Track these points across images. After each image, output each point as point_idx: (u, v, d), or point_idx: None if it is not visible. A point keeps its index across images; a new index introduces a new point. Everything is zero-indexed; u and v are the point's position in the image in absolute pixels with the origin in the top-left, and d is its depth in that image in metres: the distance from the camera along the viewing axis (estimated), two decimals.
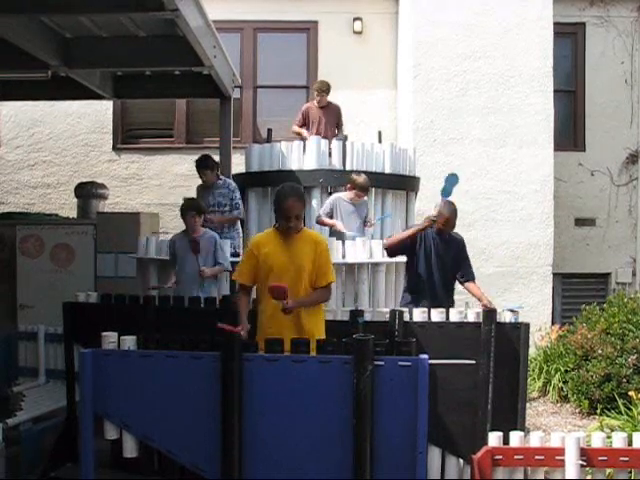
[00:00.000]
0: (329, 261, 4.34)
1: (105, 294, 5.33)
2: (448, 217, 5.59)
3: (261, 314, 4.30)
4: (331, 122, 7.80)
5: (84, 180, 8.93)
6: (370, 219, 6.72)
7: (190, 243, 5.77)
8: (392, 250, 5.64)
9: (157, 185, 9.58)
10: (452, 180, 5.66)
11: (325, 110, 7.80)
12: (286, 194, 4.28)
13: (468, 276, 5.68)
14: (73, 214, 8.83)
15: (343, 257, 5.70)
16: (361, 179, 6.43)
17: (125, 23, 5.96)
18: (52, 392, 5.70)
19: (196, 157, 7.02)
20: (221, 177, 7.01)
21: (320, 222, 6.55)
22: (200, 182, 7.02)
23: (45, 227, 7.80)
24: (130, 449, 3.43)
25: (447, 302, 5.40)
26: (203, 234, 5.88)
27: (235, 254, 6.34)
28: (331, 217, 6.55)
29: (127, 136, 9.81)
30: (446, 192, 5.65)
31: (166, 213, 9.33)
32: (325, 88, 7.78)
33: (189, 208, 5.86)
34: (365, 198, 6.64)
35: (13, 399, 5.65)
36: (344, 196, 6.56)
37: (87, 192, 8.54)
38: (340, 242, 5.84)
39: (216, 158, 7.83)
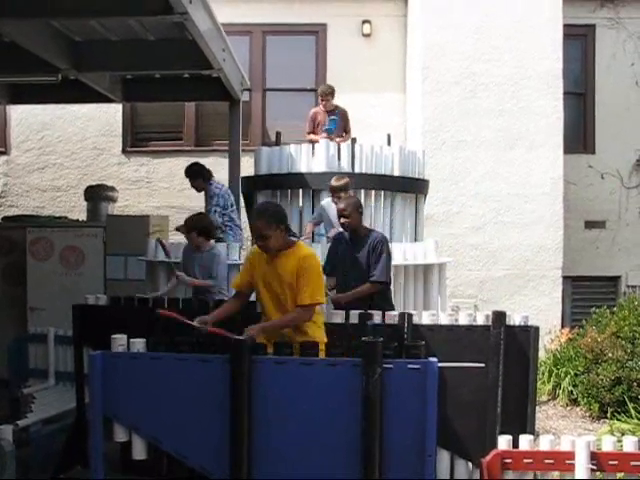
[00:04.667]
0: (308, 281, 4.11)
1: (114, 296, 5.35)
2: (342, 207, 5.43)
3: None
4: (339, 126, 7.80)
5: (93, 183, 8.96)
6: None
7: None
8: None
9: (166, 188, 9.60)
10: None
11: (332, 114, 7.80)
12: (252, 214, 4.37)
13: (370, 276, 5.36)
14: (83, 217, 8.86)
15: None
16: (336, 183, 6.28)
17: (134, 27, 5.99)
18: (62, 394, 5.72)
19: (206, 160, 7.11)
20: (212, 182, 7.16)
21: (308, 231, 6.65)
22: None
23: (55, 230, 7.83)
24: (139, 451, 3.43)
25: (369, 304, 5.09)
26: (208, 250, 5.93)
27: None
28: (318, 224, 6.59)
29: (136, 139, 9.84)
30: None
31: (175, 216, 9.35)
32: (329, 91, 7.80)
33: (190, 229, 5.94)
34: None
35: (23, 401, 5.68)
36: (329, 201, 6.55)
37: (96, 195, 8.56)
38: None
39: (225, 161, 7.88)
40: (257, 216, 4.23)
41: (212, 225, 6.20)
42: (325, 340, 4.16)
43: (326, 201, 6.61)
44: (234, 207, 7.25)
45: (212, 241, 6.05)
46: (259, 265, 4.27)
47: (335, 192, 6.27)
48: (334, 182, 6.31)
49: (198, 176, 7.19)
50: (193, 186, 7.38)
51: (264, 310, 4.29)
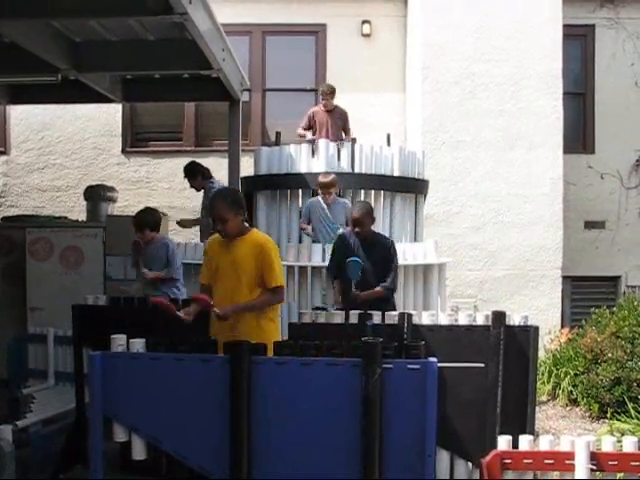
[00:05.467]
0: (273, 263, 4.28)
1: (114, 296, 5.35)
2: (357, 217, 5.45)
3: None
4: (337, 126, 7.80)
5: (93, 183, 8.96)
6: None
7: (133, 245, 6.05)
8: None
9: (166, 188, 9.60)
10: (355, 266, 5.28)
11: (331, 114, 7.82)
12: (213, 198, 4.43)
13: (383, 279, 5.46)
14: (82, 217, 8.86)
15: None
16: (324, 179, 6.38)
17: (134, 27, 5.98)
18: (61, 394, 5.71)
19: (205, 160, 7.12)
20: (213, 182, 7.17)
21: (301, 228, 6.68)
22: None
23: (55, 230, 7.82)
24: (139, 451, 3.43)
25: (376, 305, 5.12)
26: (156, 241, 5.98)
27: None
28: (308, 222, 6.58)
29: (136, 139, 9.84)
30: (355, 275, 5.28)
31: (175, 216, 9.35)
32: (330, 91, 7.82)
33: (143, 226, 5.99)
34: (345, 200, 6.63)
35: (23, 401, 5.68)
36: (320, 199, 6.56)
37: (96, 195, 8.56)
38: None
39: (224, 161, 7.88)
40: (218, 200, 4.34)
41: (160, 218, 6.27)
42: (278, 338, 4.22)
43: (310, 201, 6.63)
44: None
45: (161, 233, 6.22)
46: (215, 254, 4.37)
47: (324, 189, 6.30)
48: (322, 179, 6.36)
49: (197, 174, 7.20)
50: (192, 185, 7.39)
51: (215, 297, 4.33)
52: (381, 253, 5.49)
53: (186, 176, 7.35)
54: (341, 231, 6.10)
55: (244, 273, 4.22)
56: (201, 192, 7.58)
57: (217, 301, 4.31)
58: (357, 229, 5.47)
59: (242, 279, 4.22)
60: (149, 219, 6.03)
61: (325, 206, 6.50)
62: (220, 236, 4.38)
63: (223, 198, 4.34)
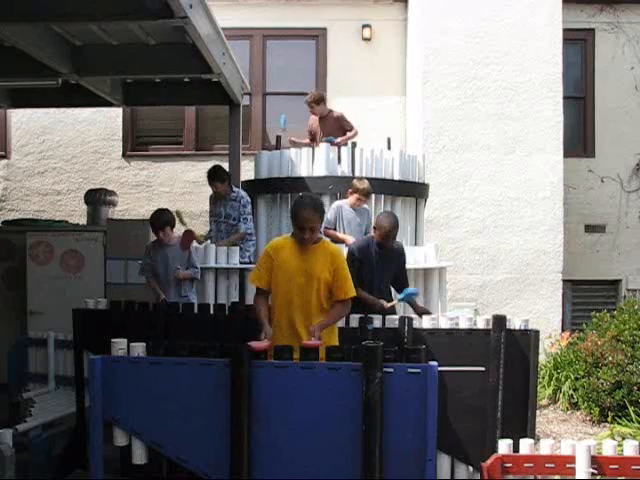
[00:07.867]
0: (348, 274, 4.31)
1: (114, 301, 5.35)
2: (389, 230, 5.28)
3: (274, 320, 4.27)
4: (329, 132, 7.63)
5: (94, 187, 8.96)
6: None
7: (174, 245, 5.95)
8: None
9: (167, 192, 9.61)
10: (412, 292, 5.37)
11: (322, 121, 7.67)
12: (303, 205, 4.26)
13: (403, 285, 5.48)
14: (83, 221, 8.86)
15: None
16: (365, 185, 6.35)
17: (135, 31, 5.99)
18: (62, 398, 5.71)
19: (206, 164, 7.03)
20: (235, 189, 6.92)
21: (329, 235, 6.31)
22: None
23: (55, 234, 7.82)
24: (139, 456, 3.43)
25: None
26: (176, 241, 5.98)
27: (250, 264, 6.37)
28: (335, 227, 6.49)
29: (137, 143, 9.85)
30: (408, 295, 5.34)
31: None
32: (313, 99, 7.60)
33: (164, 224, 5.93)
34: (366, 205, 6.62)
35: (23, 405, 5.68)
36: (345, 203, 6.52)
37: (97, 199, 8.56)
38: None
39: (225, 165, 7.86)
40: (314, 209, 4.25)
41: (174, 217, 6.23)
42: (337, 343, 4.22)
43: (338, 205, 6.55)
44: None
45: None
46: (283, 259, 4.26)
47: (365, 196, 6.30)
48: (362, 185, 6.29)
49: (224, 179, 6.85)
50: (218, 190, 6.91)
51: (278, 300, 4.25)
52: (398, 260, 5.49)
53: (215, 180, 6.94)
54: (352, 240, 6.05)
55: (320, 280, 4.19)
56: (207, 198, 7.35)
57: (280, 304, 4.24)
58: (384, 241, 5.31)
59: (314, 286, 4.18)
60: (168, 217, 6.01)
61: (352, 210, 6.47)
62: (290, 241, 4.33)
63: (315, 208, 4.26)
